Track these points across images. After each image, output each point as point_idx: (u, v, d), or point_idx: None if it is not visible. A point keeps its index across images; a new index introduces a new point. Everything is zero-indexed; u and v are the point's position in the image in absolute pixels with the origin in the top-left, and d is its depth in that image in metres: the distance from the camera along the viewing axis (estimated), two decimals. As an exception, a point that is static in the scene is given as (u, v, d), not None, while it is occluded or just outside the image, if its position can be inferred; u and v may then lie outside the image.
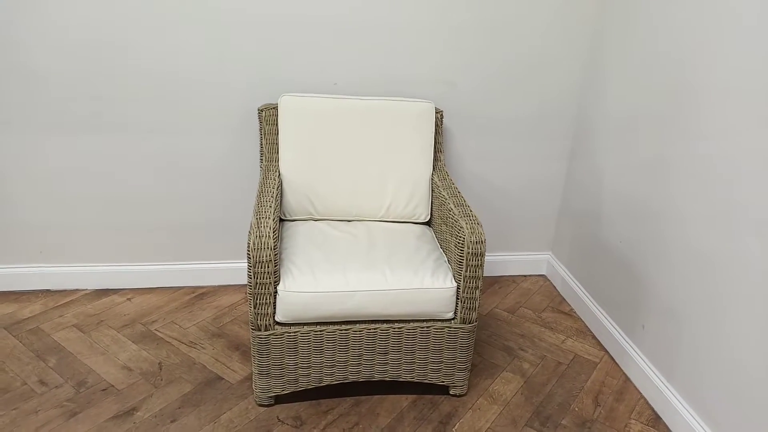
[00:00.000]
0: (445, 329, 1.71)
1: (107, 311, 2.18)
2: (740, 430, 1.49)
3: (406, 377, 1.76)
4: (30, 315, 2.12)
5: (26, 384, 1.77)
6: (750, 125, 1.44)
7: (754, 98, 1.43)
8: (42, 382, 1.79)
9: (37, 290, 2.28)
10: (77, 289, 2.31)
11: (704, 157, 1.61)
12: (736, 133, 1.49)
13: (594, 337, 2.22)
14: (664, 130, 1.80)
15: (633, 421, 1.79)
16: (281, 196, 1.94)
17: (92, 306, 2.20)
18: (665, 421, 1.78)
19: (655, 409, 1.83)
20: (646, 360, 1.90)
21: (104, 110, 2.04)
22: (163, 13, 1.94)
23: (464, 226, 1.64)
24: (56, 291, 2.29)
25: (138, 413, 1.69)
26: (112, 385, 1.79)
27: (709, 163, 1.59)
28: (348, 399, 1.80)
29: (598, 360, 2.08)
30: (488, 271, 2.65)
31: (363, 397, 1.81)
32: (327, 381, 1.72)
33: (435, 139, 2.09)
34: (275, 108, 2.02)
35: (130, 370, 1.87)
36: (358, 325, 1.66)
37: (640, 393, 1.91)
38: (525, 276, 2.68)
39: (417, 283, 1.64)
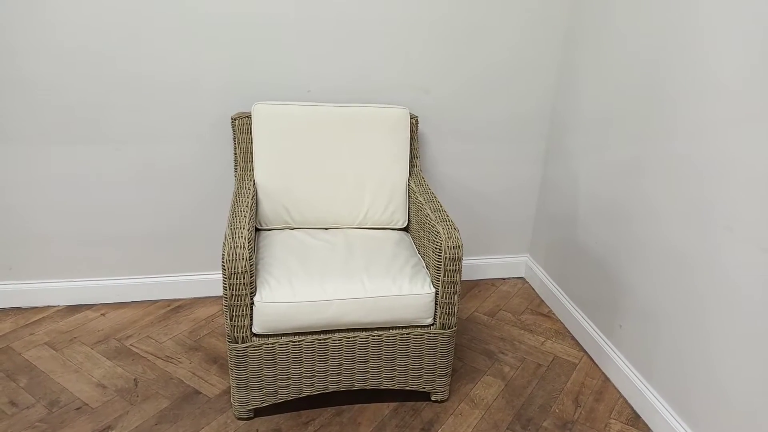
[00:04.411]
0: (425, 335, 1.70)
1: (80, 327, 2.12)
2: (718, 428, 1.51)
3: (386, 385, 1.75)
4: (-1, 334, 2.06)
5: (-4, 406, 1.72)
6: (723, 124, 1.47)
7: (727, 97, 1.45)
8: (12, 403, 1.73)
9: (6, 308, 2.21)
10: (49, 306, 2.25)
11: (678, 156, 1.63)
12: (709, 132, 1.51)
13: (573, 338, 2.23)
14: (638, 131, 1.82)
15: (613, 421, 1.80)
16: (257, 206, 1.92)
17: (64, 323, 2.15)
18: (645, 420, 1.80)
19: (635, 408, 1.85)
20: (625, 360, 1.92)
21: (74, 119, 2.00)
22: (134, 19, 1.91)
23: (441, 231, 1.64)
24: (27, 308, 2.23)
25: (113, 432, 1.65)
26: (86, 404, 1.75)
27: (683, 163, 1.61)
28: (329, 409, 1.78)
29: (577, 361, 2.09)
30: (467, 275, 2.65)
31: (344, 407, 1.80)
32: (307, 392, 1.70)
33: (411, 144, 2.09)
34: (248, 116, 2.00)
35: (104, 387, 1.82)
36: (337, 334, 1.65)
37: (620, 392, 1.93)
38: (504, 279, 2.69)
39: (395, 289, 1.63)
